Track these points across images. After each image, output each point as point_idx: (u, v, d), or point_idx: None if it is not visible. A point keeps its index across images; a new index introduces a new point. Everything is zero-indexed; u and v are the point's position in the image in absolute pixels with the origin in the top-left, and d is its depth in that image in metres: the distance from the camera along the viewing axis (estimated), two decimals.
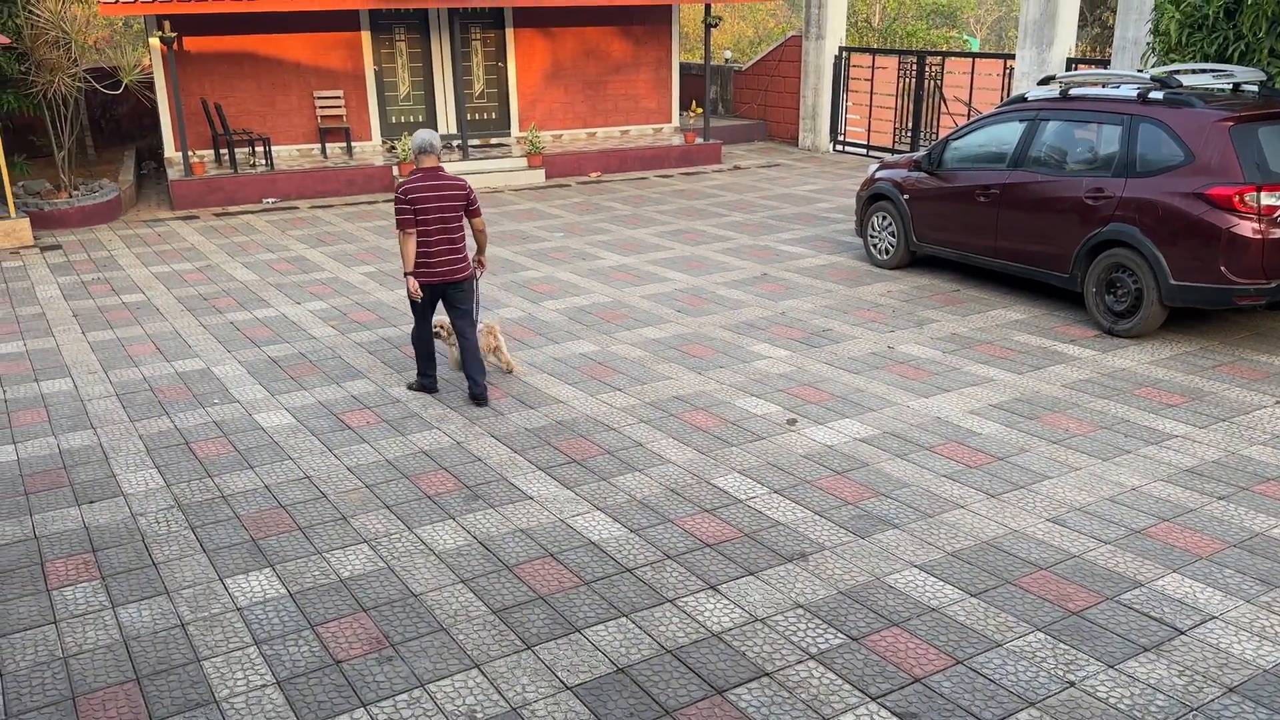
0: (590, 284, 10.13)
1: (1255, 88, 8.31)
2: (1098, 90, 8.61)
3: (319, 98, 16.45)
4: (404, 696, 3.98)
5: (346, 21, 16.31)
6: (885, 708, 3.87)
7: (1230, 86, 8.39)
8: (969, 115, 16.24)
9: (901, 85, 17.56)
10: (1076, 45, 15.33)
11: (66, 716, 3.89)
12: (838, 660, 4.16)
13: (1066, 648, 4.21)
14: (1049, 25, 14.40)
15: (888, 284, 9.96)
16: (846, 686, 4.00)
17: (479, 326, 7.28)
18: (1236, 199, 7.29)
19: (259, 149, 15.78)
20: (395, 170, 15.40)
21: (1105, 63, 14.37)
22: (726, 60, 23.76)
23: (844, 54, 18.77)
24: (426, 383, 7.20)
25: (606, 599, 4.63)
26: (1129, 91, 8.27)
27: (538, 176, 16.28)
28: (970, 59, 16.90)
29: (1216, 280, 7.48)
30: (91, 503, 5.62)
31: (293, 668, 4.16)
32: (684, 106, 22.02)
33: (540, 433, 6.51)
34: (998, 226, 9.06)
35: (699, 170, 17.32)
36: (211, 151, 15.90)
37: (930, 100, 17.14)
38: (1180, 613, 4.45)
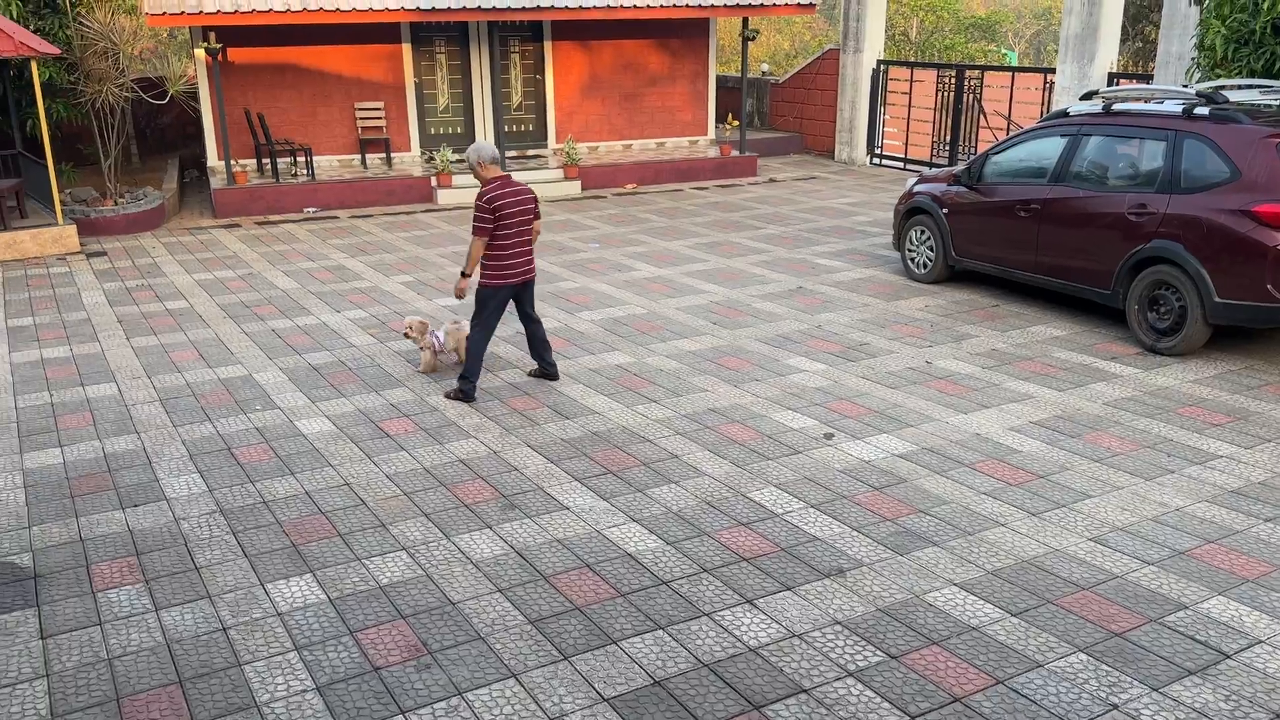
0: (626, 295, 10.16)
1: None
2: (1141, 105, 8.54)
3: (360, 109, 16.65)
4: (442, 705, 4.00)
5: (388, 34, 16.51)
6: None
7: (1278, 103, 8.28)
8: (1008, 129, 16.13)
9: (940, 99, 17.49)
10: (1118, 60, 15.17)
11: (111, 717, 3.95)
12: (876, 678, 4.13)
13: (1109, 669, 4.16)
14: (1090, 39, 14.23)
15: (925, 298, 9.90)
16: (885, 705, 3.97)
17: (453, 326, 7.91)
18: None
19: (300, 159, 15.98)
20: (434, 181, 15.54)
21: (1148, 78, 14.22)
22: (763, 73, 23.78)
23: (882, 67, 18.73)
24: (467, 389, 7.25)
25: (643, 611, 4.63)
26: (1174, 107, 8.19)
27: (574, 188, 16.37)
28: (1010, 73, 16.80)
29: (1262, 298, 7.37)
30: (135, 506, 5.71)
31: (332, 673, 4.20)
32: (720, 119, 22.05)
33: (576, 443, 6.53)
34: (1038, 242, 8.99)
35: (734, 183, 17.32)
36: (254, 161, 16.13)
37: (969, 114, 17.05)
38: (1226, 636, 4.38)
